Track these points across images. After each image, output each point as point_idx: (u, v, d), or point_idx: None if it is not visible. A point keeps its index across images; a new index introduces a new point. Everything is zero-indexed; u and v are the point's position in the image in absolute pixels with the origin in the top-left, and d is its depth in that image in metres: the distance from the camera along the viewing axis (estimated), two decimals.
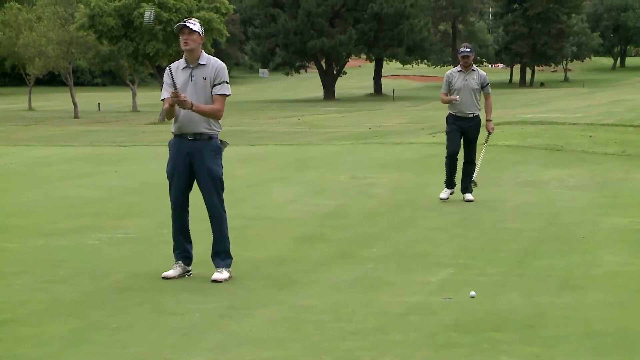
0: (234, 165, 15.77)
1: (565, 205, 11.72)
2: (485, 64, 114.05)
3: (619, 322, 6.10)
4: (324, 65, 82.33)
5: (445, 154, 12.17)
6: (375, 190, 13.44)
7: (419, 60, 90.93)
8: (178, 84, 7.24)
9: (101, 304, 6.60)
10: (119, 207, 11.84)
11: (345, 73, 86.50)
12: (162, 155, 20.03)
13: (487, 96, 12.19)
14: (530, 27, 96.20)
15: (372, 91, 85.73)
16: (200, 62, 7.40)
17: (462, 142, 12.13)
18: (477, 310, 6.41)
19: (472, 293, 6.84)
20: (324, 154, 19.67)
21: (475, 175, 12.22)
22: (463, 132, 12.01)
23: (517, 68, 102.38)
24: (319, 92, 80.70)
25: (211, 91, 7.39)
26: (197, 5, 47.33)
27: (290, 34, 77.79)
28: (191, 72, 7.36)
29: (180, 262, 7.62)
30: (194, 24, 7.33)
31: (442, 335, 5.76)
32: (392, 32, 79.74)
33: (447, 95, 12.03)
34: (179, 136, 7.45)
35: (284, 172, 15.67)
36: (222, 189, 7.70)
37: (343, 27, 79.43)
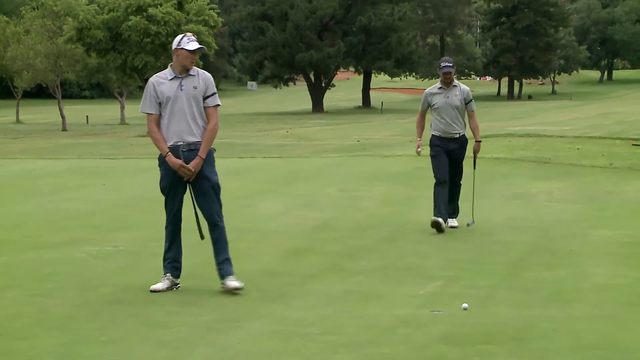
0: (223, 178, 15.65)
1: (554, 218, 11.75)
2: (473, 76, 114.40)
3: (608, 335, 6.12)
4: (312, 78, 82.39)
5: (434, 182, 10.92)
6: (364, 203, 13.45)
7: (407, 73, 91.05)
8: (168, 94, 7.31)
9: (90, 318, 6.59)
10: (108, 220, 11.81)
11: (334, 86, 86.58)
12: (151, 168, 20.00)
13: (471, 114, 10.95)
14: (518, 40, 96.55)
15: (360, 104, 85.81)
16: (190, 72, 7.42)
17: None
18: (466, 322, 6.42)
19: (465, 305, 6.85)
20: (313, 166, 19.68)
21: (472, 217, 10.95)
22: (449, 153, 10.87)
23: (505, 81, 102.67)
24: (308, 105, 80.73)
25: (203, 102, 7.40)
26: (185, 18, 47.33)
27: (279, 47, 77.84)
28: (180, 82, 7.40)
29: (169, 274, 7.60)
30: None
31: (432, 348, 5.76)
32: (381, 45, 79.88)
33: (424, 114, 11.06)
34: (173, 149, 7.43)
35: (273, 184, 15.67)
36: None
37: (332, 40, 79.56)
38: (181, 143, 7.43)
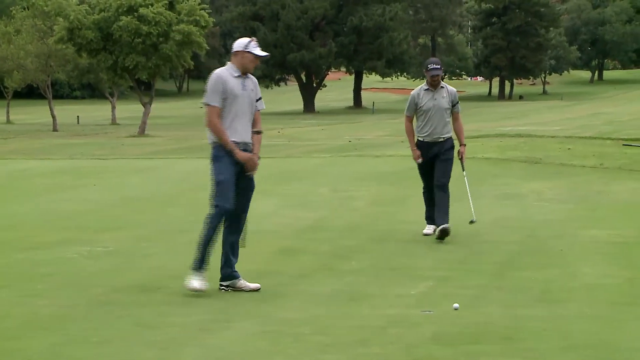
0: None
1: (544, 218, 11.78)
2: (464, 76, 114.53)
3: (597, 335, 6.14)
4: (303, 78, 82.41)
5: (422, 189, 10.68)
6: (355, 203, 13.46)
7: (399, 73, 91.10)
8: (235, 92, 7.59)
9: (81, 318, 6.58)
10: (99, 220, 11.80)
11: (325, 86, 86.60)
12: (143, 168, 20.02)
13: (456, 116, 10.41)
14: (509, 41, 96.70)
15: (352, 104, 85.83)
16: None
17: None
18: (456, 322, 6.44)
19: (455, 305, 6.87)
20: (304, 166, 19.68)
21: (473, 215, 10.56)
22: (435, 157, 10.30)
23: (496, 81, 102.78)
24: (299, 105, 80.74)
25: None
26: (176, 18, 47.24)
27: (270, 47, 77.71)
28: (243, 82, 7.66)
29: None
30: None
31: (422, 348, 5.77)
32: (372, 45, 79.92)
33: (411, 119, 10.52)
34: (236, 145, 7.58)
35: (264, 185, 15.58)
36: None
37: (323, 40, 79.58)
38: (240, 142, 7.61)
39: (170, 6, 47.82)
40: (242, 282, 7.55)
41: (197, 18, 47.89)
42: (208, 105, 7.58)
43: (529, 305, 7.04)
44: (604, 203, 13.28)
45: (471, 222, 10.54)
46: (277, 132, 44.39)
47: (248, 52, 7.60)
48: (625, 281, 7.98)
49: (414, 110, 10.38)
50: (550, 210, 12.56)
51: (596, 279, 8.01)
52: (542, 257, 9.04)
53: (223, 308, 6.93)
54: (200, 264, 7.41)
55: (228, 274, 7.56)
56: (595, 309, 6.88)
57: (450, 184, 10.39)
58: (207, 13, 49.23)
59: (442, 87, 10.34)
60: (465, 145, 10.59)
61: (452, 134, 10.43)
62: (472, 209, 10.59)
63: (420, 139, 10.40)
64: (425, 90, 10.34)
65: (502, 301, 7.14)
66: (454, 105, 10.34)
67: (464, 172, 10.70)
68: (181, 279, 7.70)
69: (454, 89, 10.50)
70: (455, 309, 6.81)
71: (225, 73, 7.65)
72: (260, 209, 12.76)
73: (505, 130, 33.18)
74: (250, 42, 7.69)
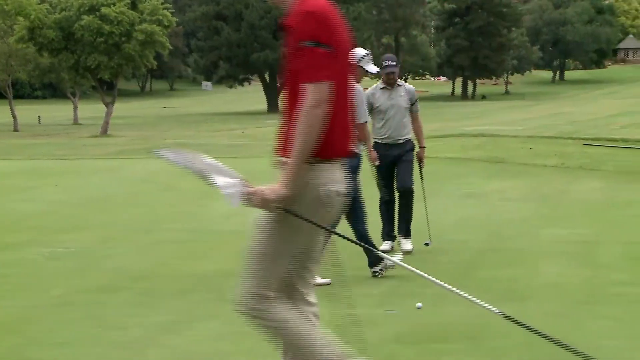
0: (177, 179, 15.67)
1: (507, 217, 11.86)
2: (427, 76, 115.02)
3: (559, 333, 6.16)
4: (267, 78, 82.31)
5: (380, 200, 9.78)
6: None
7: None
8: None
9: (42, 320, 6.52)
10: (60, 221, 11.70)
11: None
12: (105, 168, 19.85)
13: (415, 116, 9.64)
14: (472, 41, 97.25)
15: None
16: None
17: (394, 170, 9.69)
18: (420, 322, 6.46)
19: (419, 304, 6.89)
20: (268, 166, 19.59)
21: (429, 236, 9.71)
22: (394, 161, 9.55)
23: (459, 81, 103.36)
24: (263, 105, 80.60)
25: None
26: (139, 17, 46.99)
27: (234, 47, 77.64)
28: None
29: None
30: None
31: (385, 348, 5.78)
32: None
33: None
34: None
35: None
36: None
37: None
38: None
39: (133, 5, 47.58)
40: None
41: (160, 17, 47.70)
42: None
43: (492, 303, 6.99)
44: (565, 202, 13.39)
45: (426, 244, 9.61)
46: (241, 132, 44.29)
47: (359, 66, 8.05)
48: (585, 279, 8.06)
49: (370, 110, 9.30)
50: (512, 209, 12.64)
51: (557, 278, 8.08)
52: (505, 256, 9.10)
53: (187, 309, 6.90)
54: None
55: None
56: (557, 307, 6.94)
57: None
58: (170, 12, 49.07)
59: (399, 85, 9.59)
60: (424, 147, 9.79)
61: (411, 135, 9.71)
62: (429, 230, 9.65)
63: (377, 140, 9.49)
64: (381, 89, 9.57)
65: (466, 300, 7.17)
66: (412, 104, 9.58)
67: (422, 182, 9.81)
68: (145, 280, 7.67)
69: (412, 87, 9.78)
70: (419, 308, 6.83)
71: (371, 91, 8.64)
72: (223, 209, 12.72)
73: (467, 130, 33.35)
74: (363, 56, 8.13)
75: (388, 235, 9.66)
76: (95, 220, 11.61)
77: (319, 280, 7.51)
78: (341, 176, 3.93)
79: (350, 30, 3.98)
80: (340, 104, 3.77)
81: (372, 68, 8.00)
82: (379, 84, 9.64)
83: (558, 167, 18.24)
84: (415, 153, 9.68)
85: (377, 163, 9.26)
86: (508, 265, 8.58)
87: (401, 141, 9.52)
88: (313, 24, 3.67)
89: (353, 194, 7.84)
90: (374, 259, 8.07)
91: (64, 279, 8.01)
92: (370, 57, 7.97)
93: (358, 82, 7.94)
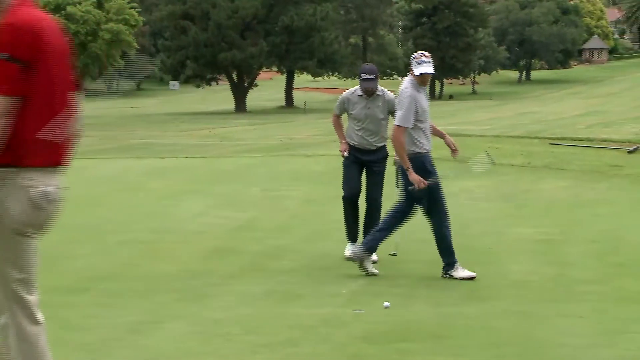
0: (143, 179, 15.60)
1: (473, 217, 11.91)
2: (395, 76, 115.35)
3: (523, 331, 6.23)
4: (235, 77, 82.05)
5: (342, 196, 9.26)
6: (287, 203, 13.46)
7: (330, 73, 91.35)
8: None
9: None
10: None
11: (257, 85, 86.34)
12: (70, 168, 19.68)
13: (394, 128, 8.43)
14: (439, 41, 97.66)
15: (283, 103, 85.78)
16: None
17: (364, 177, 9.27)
18: (386, 321, 6.47)
19: (386, 304, 6.91)
20: (235, 166, 19.61)
21: (396, 246, 9.11)
22: (363, 165, 9.16)
23: None
24: (230, 105, 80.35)
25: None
26: (105, 17, 46.79)
27: (201, 47, 77.29)
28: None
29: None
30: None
31: (352, 347, 5.79)
32: (303, 45, 79.96)
33: (339, 117, 9.35)
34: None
35: (195, 185, 15.56)
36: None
37: (254, 39, 79.32)
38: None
39: (99, 5, 47.39)
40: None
41: (127, 17, 47.58)
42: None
43: (458, 303, 7.11)
44: (530, 201, 13.48)
45: (392, 254, 9.10)
46: (208, 132, 44.15)
47: (411, 68, 8.11)
48: (550, 278, 8.13)
49: (342, 111, 9.19)
50: (479, 208, 12.71)
51: (522, 276, 8.13)
52: (470, 255, 9.12)
53: (153, 309, 6.86)
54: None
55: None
56: (522, 306, 6.99)
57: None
58: (137, 12, 48.95)
59: (378, 94, 8.95)
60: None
61: (387, 142, 9.09)
62: (396, 239, 8.92)
63: (351, 143, 9.13)
64: (359, 96, 8.99)
65: (432, 299, 7.21)
66: (392, 113, 8.76)
67: (397, 190, 8.79)
68: (110, 280, 7.62)
69: (393, 96, 8.92)
70: (386, 307, 6.86)
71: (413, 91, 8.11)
72: (190, 209, 12.69)
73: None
74: (414, 58, 8.19)
75: (352, 237, 9.12)
76: (60, 221, 11.50)
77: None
78: (50, 182, 4.12)
79: (67, 45, 4.03)
80: (43, 118, 3.83)
81: (418, 69, 8.04)
82: (358, 89, 9.02)
83: (524, 167, 18.36)
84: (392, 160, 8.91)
85: (345, 154, 9.11)
86: (474, 264, 8.61)
87: (373, 148, 9.08)
88: (10, 37, 3.69)
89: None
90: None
91: None
92: (416, 60, 8.06)
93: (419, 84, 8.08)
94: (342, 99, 9.15)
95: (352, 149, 9.11)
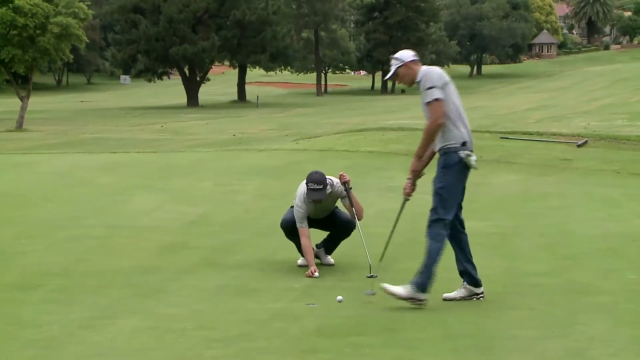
0: (95, 174, 15.46)
1: (425, 210, 11.92)
2: (347, 70, 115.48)
3: (476, 324, 6.29)
4: (187, 71, 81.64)
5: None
6: (240, 197, 13.43)
7: (283, 67, 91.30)
8: None
9: None
10: None
11: (209, 80, 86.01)
12: (20, 163, 19.50)
13: (350, 201, 8.70)
14: (391, 35, 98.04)
15: (236, 98, 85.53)
16: None
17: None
18: (339, 315, 6.50)
19: (339, 297, 6.94)
20: (188, 161, 19.52)
21: (370, 269, 8.18)
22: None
23: (378, 75, 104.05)
24: (183, 99, 79.96)
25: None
26: (54, 10, 46.11)
27: (152, 40, 76.78)
28: None
29: (465, 282, 7.30)
30: None
31: (306, 341, 5.81)
32: (255, 39, 79.77)
33: (307, 231, 8.53)
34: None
35: (147, 180, 15.45)
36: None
37: (206, 33, 78.95)
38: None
39: None
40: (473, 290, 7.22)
41: (76, 10, 46.93)
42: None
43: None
44: (482, 195, 13.58)
45: (370, 276, 8.04)
46: (161, 127, 43.89)
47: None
48: (502, 271, 8.22)
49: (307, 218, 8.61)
50: (430, 202, 12.74)
51: None
52: (422, 249, 9.16)
53: (106, 305, 6.82)
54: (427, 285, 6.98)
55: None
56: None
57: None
58: (86, 5, 48.31)
59: (328, 191, 8.53)
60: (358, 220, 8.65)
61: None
62: (369, 261, 8.29)
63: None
64: (309, 201, 8.56)
65: (384, 293, 7.23)
66: (342, 198, 8.71)
67: (356, 221, 8.78)
68: (61, 276, 7.55)
69: (341, 188, 8.62)
70: (339, 301, 6.89)
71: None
72: (142, 204, 12.61)
73: (387, 123, 33.60)
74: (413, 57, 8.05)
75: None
76: (10, 216, 11.37)
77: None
78: None
79: None
80: None
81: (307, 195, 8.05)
82: (305, 195, 8.56)
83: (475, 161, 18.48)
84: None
85: (315, 275, 8.05)
86: None
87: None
88: None
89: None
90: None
91: None
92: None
93: (410, 84, 7.93)
94: (304, 212, 8.57)
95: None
